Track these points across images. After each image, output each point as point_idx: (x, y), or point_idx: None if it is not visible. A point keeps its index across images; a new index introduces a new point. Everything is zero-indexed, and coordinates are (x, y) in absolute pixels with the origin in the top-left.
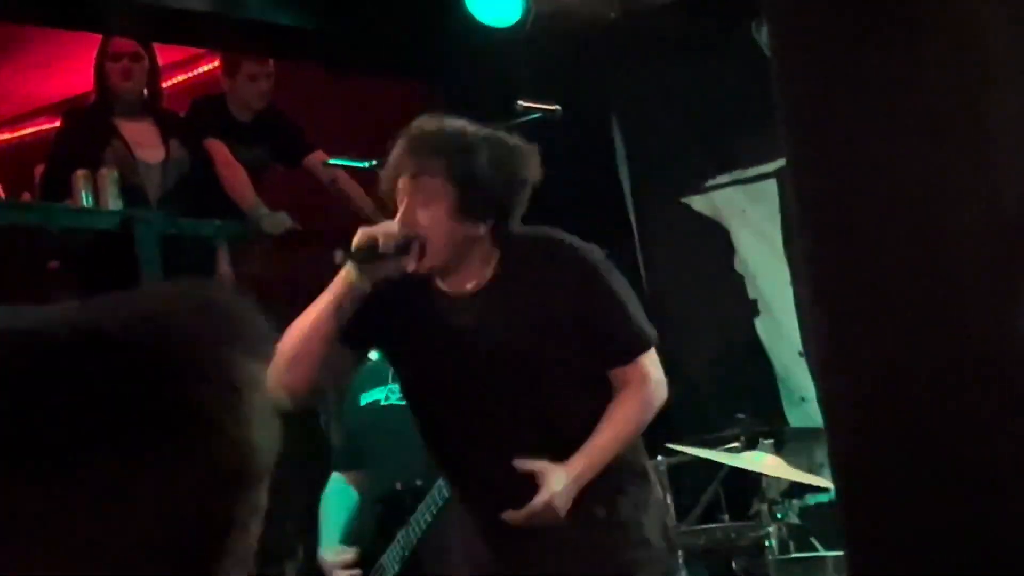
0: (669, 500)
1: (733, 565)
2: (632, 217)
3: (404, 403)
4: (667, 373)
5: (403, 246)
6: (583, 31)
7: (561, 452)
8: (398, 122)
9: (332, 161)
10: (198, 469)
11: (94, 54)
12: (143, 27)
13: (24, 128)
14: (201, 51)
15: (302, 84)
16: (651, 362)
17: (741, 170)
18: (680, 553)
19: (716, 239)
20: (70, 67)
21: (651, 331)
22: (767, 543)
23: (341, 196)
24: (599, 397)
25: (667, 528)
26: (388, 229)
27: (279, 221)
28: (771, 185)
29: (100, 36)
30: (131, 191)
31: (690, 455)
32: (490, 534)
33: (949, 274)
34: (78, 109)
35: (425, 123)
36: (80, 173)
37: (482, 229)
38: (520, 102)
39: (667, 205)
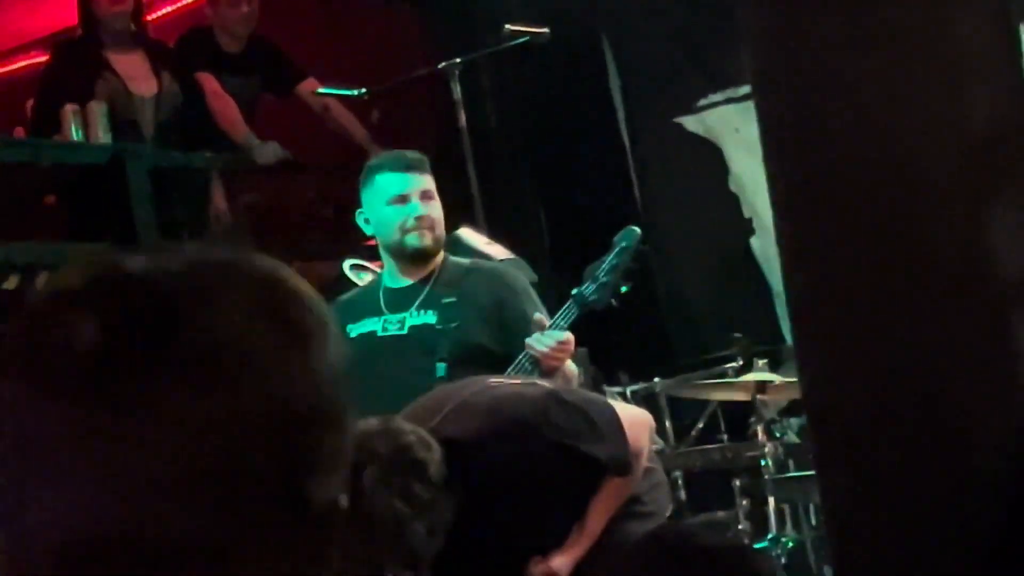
0: (668, 423)
1: (734, 483)
2: (626, 139)
3: (404, 334)
4: (664, 295)
5: None
6: None
7: None
8: (388, 48)
9: (323, 90)
10: (254, 403)
11: None
12: None
13: (14, 62)
14: None
15: (291, 11)
16: None
17: (734, 88)
18: (680, 474)
19: (710, 159)
20: (52, 2)
21: None
22: (763, 462)
23: (333, 124)
24: None
25: None
26: None
27: (271, 151)
28: None
29: None
30: (124, 125)
31: (687, 380)
32: None
33: (916, 195)
34: (66, 41)
35: None
36: (69, 108)
37: None
38: (508, 26)
39: (660, 126)
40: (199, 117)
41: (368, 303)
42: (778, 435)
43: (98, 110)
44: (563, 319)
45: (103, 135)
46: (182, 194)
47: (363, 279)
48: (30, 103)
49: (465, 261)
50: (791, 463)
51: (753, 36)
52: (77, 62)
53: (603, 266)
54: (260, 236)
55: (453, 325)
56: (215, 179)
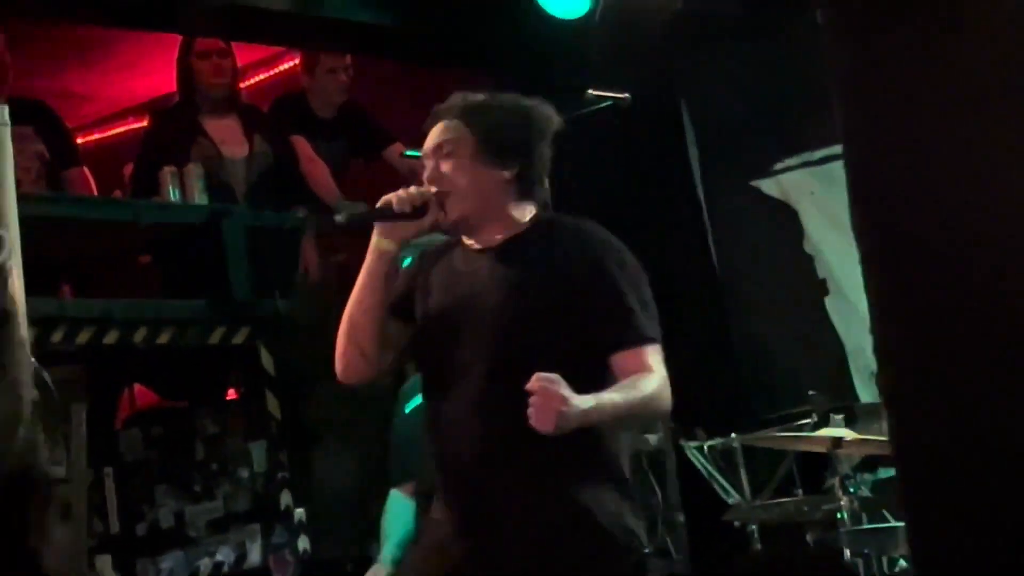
0: (744, 477)
1: (807, 537)
2: (702, 201)
3: None
4: (740, 353)
5: (420, 207)
6: (650, 20)
7: (521, 423)
8: None
9: (409, 152)
10: None
11: (175, 55)
12: (225, 27)
13: (113, 128)
14: (281, 49)
15: (378, 79)
16: (657, 359)
17: (809, 152)
18: (755, 527)
19: (785, 221)
20: (154, 68)
21: (656, 331)
22: (839, 515)
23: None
24: (578, 383)
25: (637, 527)
26: (402, 191)
27: (359, 211)
28: (839, 167)
29: (181, 37)
30: (217, 186)
31: (763, 435)
32: (456, 511)
33: (987, 249)
34: (164, 108)
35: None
36: (167, 169)
37: (507, 174)
38: (590, 91)
39: (736, 188)
40: (291, 178)
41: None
42: (852, 490)
43: (195, 172)
44: None
45: (199, 196)
46: (274, 252)
47: None
48: (127, 167)
49: None
50: (864, 517)
51: (841, 93)
52: (174, 127)
53: None
54: (347, 292)
55: None
56: (306, 238)
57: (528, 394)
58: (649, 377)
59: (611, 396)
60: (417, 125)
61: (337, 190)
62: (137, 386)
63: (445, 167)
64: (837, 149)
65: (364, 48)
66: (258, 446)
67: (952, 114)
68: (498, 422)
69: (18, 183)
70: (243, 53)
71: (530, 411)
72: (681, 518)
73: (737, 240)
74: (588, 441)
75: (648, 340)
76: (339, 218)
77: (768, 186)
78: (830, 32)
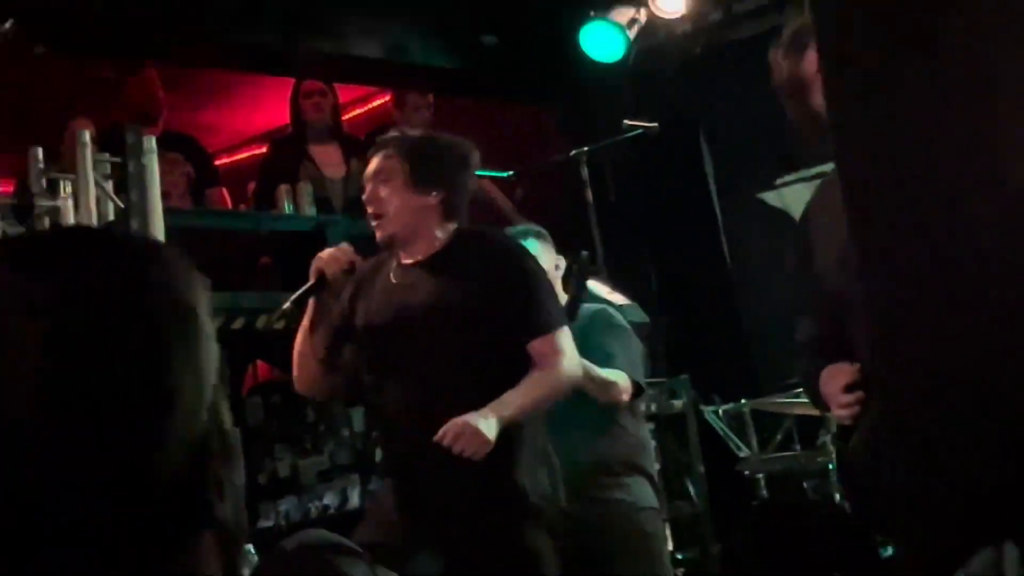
0: (753, 435)
1: (804, 485)
2: (717, 210)
3: None
4: (751, 335)
5: (349, 265)
6: (672, 63)
7: (453, 414)
8: (530, 139)
9: (478, 172)
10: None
11: (288, 94)
12: (328, 72)
13: (239, 154)
14: (375, 89)
15: (454, 111)
16: (566, 341)
17: (805, 169)
18: (762, 477)
19: (785, 226)
20: (271, 106)
21: (562, 316)
22: (830, 467)
23: (487, 199)
24: (502, 370)
25: (553, 505)
26: (327, 254)
27: None
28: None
29: (293, 80)
30: (321, 201)
31: (768, 401)
32: (398, 491)
33: (970, 246)
34: (279, 138)
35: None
36: (282, 187)
37: (433, 199)
38: (625, 121)
39: (745, 200)
40: None
41: None
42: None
43: (304, 189)
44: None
45: (308, 208)
46: (368, 253)
47: None
48: (250, 185)
49: (591, 306)
50: None
51: (835, 119)
52: (287, 153)
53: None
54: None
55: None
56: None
57: (459, 382)
58: (552, 367)
59: (517, 400)
60: (485, 150)
61: None
62: (259, 362)
63: (382, 191)
64: (827, 167)
65: (442, 88)
66: (357, 411)
67: (924, 127)
68: (431, 413)
69: (168, 198)
70: (344, 92)
71: (456, 450)
72: (701, 469)
73: (746, 242)
74: (505, 431)
75: (556, 326)
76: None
77: (771, 198)
78: (825, 67)
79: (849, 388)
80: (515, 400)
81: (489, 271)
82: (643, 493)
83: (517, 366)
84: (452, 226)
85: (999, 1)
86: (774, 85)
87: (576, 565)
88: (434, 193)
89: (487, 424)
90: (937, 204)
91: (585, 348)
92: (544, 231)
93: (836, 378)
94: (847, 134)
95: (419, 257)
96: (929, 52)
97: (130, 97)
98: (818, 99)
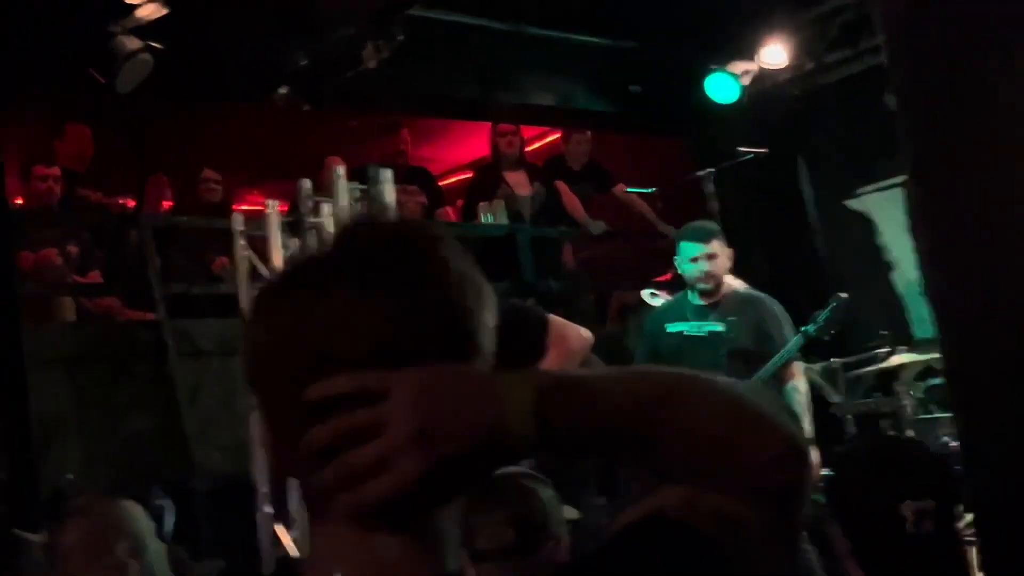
0: (844, 386)
1: (880, 424)
2: (812, 215)
3: (703, 335)
4: (845, 313)
5: None
6: (778, 103)
7: None
8: (667, 162)
9: (629, 190)
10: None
11: (487, 133)
12: (516, 116)
13: (452, 178)
14: (548, 128)
15: (607, 143)
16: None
17: (882, 181)
18: (850, 417)
19: (866, 227)
20: (474, 142)
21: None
22: (904, 408)
23: (636, 211)
24: None
25: None
26: None
27: (599, 226)
28: (899, 191)
29: (490, 123)
30: (513, 215)
31: (854, 358)
32: None
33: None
34: (480, 166)
35: None
36: (483, 204)
37: None
38: (740, 148)
39: (833, 206)
40: (557, 208)
41: (679, 311)
42: (911, 393)
43: (499, 205)
44: (794, 346)
45: (502, 219)
46: (547, 253)
47: (657, 301)
48: (459, 201)
49: (744, 292)
50: (920, 410)
51: (906, 136)
52: (487, 178)
53: (822, 315)
54: (592, 277)
55: (732, 334)
56: (566, 244)
57: None
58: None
59: None
60: (633, 173)
61: (585, 213)
62: None
63: None
64: (898, 179)
65: (599, 125)
66: None
67: (993, 148)
68: None
69: None
70: (526, 131)
71: None
72: None
73: (838, 241)
74: None
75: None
76: (592, 230)
77: (854, 204)
78: (899, 105)
79: None
80: None
81: None
82: None
83: None
84: None
85: None
86: None
87: None
88: None
89: None
90: (999, 216)
91: (762, 332)
92: (719, 228)
93: None
94: (914, 148)
95: None
96: (997, 55)
97: (381, 146)
98: None
